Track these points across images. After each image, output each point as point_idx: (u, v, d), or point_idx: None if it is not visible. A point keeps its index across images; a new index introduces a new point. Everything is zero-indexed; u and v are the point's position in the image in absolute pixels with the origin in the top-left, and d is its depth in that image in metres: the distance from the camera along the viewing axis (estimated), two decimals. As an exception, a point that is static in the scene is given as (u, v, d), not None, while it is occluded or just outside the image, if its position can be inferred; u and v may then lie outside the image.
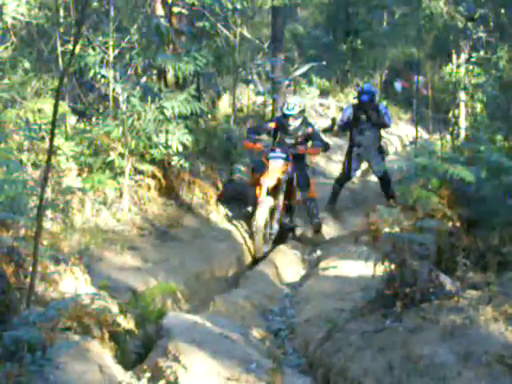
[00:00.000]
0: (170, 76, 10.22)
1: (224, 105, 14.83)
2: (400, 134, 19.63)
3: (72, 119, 9.05)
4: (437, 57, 18.58)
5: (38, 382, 3.84)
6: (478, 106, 13.88)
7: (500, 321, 4.37)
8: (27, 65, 10.29)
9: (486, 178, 5.51)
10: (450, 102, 15.35)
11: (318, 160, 14.49)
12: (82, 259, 6.29)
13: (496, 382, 3.92)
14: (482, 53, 14.25)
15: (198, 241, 8.74)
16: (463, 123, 14.81)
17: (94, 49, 8.74)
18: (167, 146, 8.66)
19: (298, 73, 16.19)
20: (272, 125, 10.06)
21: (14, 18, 9.96)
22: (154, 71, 10.51)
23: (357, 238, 7.28)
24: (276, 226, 9.32)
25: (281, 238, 9.62)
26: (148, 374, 4.64)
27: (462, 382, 3.98)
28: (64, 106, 9.10)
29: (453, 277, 5.05)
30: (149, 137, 8.54)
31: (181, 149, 8.72)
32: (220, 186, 10.27)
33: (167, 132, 8.56)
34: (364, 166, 11.91)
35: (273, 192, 9.24)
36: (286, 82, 15.16)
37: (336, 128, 16.26)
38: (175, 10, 10.48)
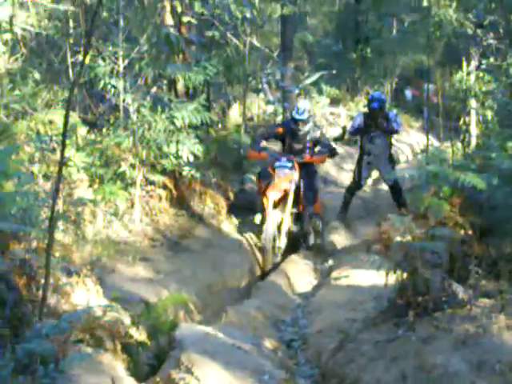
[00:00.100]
0: (180, 86, 10.26)
1: (234, 114, 14.87)
2: (411, 142, 19.61)
3: (83, 130, 9.06)
4: (447, 64, 18.53)
5: (51, 394, 3.84)
6: (489, 113, 13.86)
7: (513, 329, 4.35)
8: (37, 76, 10.37)
9: (498, 185, 5.49)
10: (461, 110, 15.31)
11: (329, 169, 14.49)
12: (93, 271, 6.29)
13: (510, 391, 3.91)
14: (492, 60, 14.23)
15: (209, 251, 8.72)
16: (474, 130, 14.81)
17: (103, 59, 8.76)
18: (178, 156, 8.66)
19: (308, 81, 16.24)
20: (279, 130, 9.99)
21: (23, 29, 10.05)
22: (164, 81, 10.53)
23: (369, 246, 7.25)
24: (284, 240, 9.20)
25: (292, 247, 9.52)
26: (161, 386, 4.64)
27: (475, 391, 3.97)
28: (75, 117, 9.15)
29: (465, 285, 5.04)
30: (159, 147, 8.54)
31: (192, 159, 8.73)
32: (231, 195, 10.27)
33: (178, 142, 8.56)
34: (375, 174, 11.89)
35: (280, 203, 9.16)
36: (296, 91, 15.13)
37: (347, 136, 16.31)
38: (184, 19, 10.51)
